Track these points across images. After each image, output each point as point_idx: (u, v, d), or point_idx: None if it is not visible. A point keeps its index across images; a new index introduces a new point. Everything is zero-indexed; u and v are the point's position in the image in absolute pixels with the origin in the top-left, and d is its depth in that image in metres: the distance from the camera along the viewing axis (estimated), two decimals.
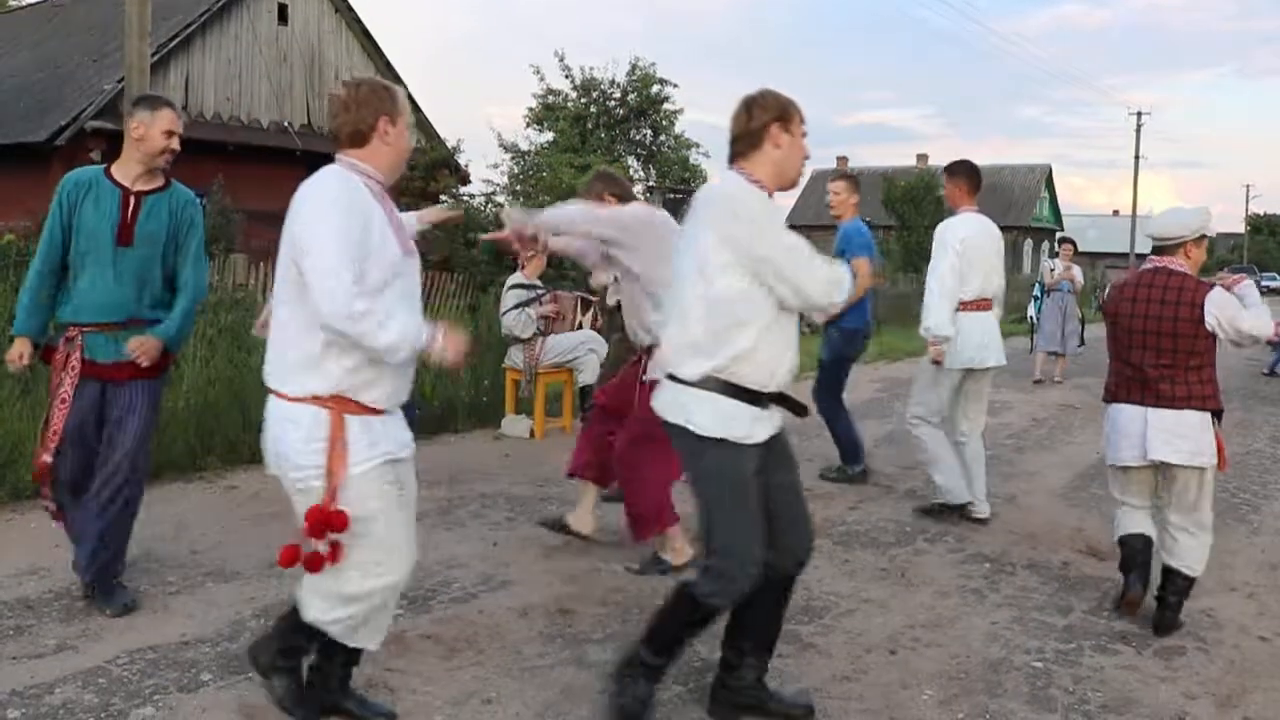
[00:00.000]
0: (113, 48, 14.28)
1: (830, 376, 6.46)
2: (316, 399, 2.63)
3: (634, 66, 24.84)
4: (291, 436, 2.64)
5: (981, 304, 5.41)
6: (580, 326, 7.72)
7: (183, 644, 3.47)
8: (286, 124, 15.38)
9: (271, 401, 2.72)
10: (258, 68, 15.43)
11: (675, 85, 25.35)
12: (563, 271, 11.30)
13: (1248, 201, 62.61)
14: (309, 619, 2.81)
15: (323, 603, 2.80)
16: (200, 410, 6.11)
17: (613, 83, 25.08)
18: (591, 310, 7.90)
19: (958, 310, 5.29)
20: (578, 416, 7.81)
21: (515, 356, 7.54)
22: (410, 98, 13.99)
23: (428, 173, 16.41)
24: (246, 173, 13.69)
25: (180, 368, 6.48)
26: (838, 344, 6.40)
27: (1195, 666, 3.73)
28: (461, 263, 12.86)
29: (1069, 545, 5.15)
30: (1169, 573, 4.06)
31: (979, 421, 5.59)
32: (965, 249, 5.30)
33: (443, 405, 7.65)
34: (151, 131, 3.68)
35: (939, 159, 46.45)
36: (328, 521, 2.63)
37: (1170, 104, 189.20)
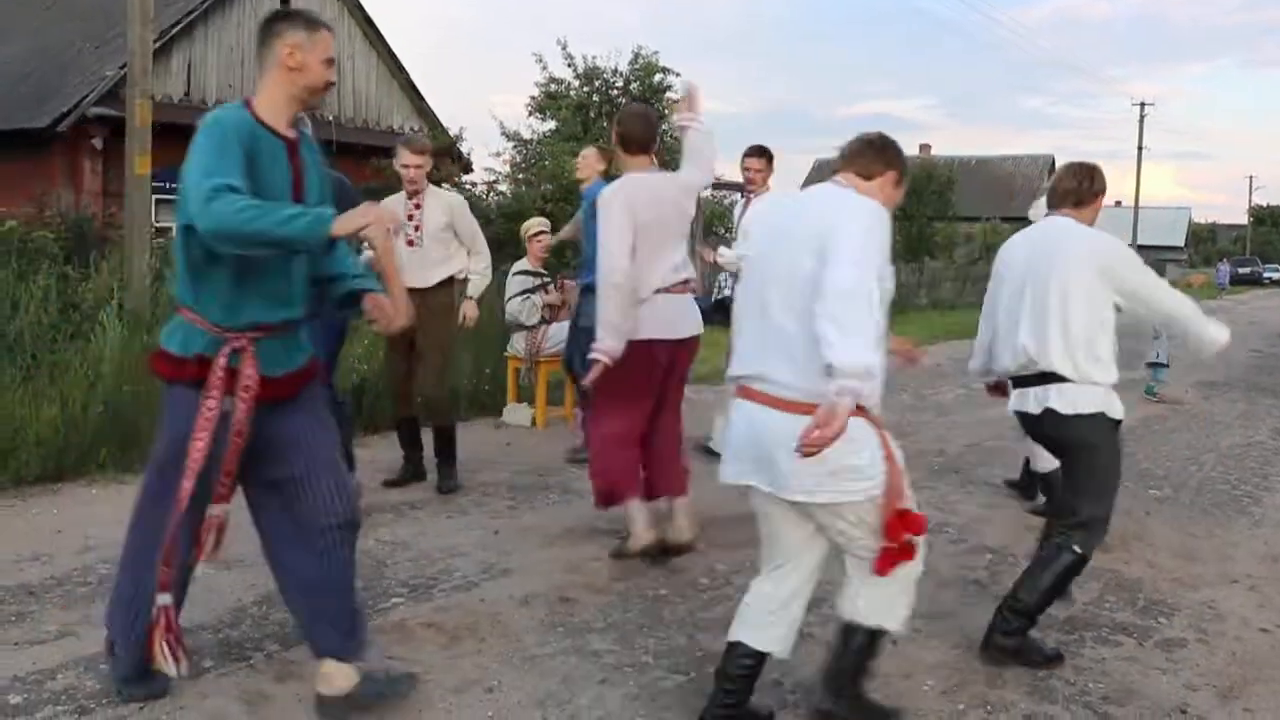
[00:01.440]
0: (114, 34, 14.22)
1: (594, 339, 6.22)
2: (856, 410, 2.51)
3: (636, 55, 24.78)
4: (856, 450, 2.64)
5: None
6: None
7: (184, 631, 3.46)
8: None
9: (776, 415, 2.66)
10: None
11: (678, 74, 25.27)
12: (565, 260, 11.26)
13: (1251, 193, 62.53)
14: (897, 624, 3.00)
15: (904, 602, 3.01)
16: None
17: (615, 71, 25.02)
18: None
19: None
20: (578, 404, 7.81)
21: (518, 344, 7.53)
22: (413, 86, 14.10)
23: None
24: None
25: None
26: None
27: (1196, 658, 3.73)
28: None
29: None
30: None
31: None
32: None
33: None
34: (310, 59, 2.83)
35: (941, 149, 46.45)
36: (909, 525, 2.76)
37: (1173, 95, 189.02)
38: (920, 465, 6.61)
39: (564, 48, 24.94)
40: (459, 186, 17.75)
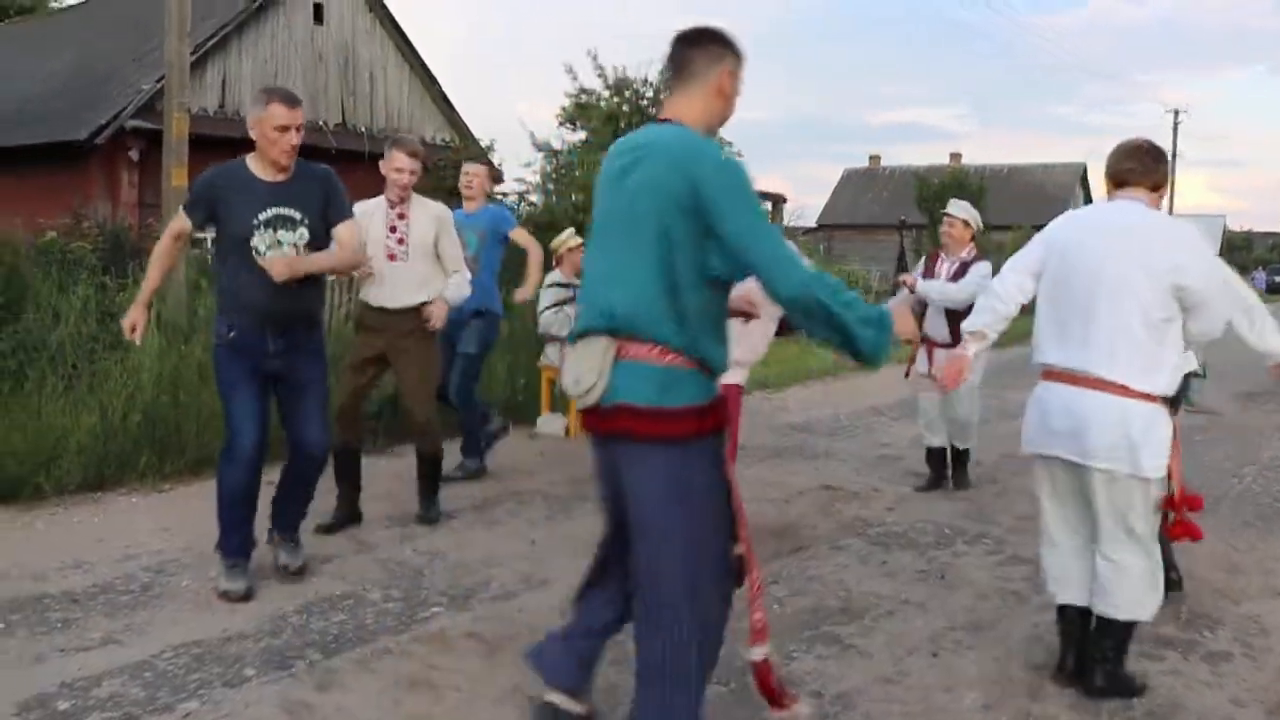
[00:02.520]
0: (152, 46, 14.43)
1: (477, 367, 6.11)
2: (1158, 399, 3.18)
3: None
4: (1148, 433, 3.14)
5: None
6: None
7: (225, 639, 3.50)
8: (321, 123, 15.48)
9: (1113, 399, 3.14)
10: (294, 67, 15.54)
11: None
12: None
13: None
14: (1149, 615, 3.35)
15: (1154, 596, 3.32)
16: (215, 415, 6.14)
17: (645, 81, 25.12)
18: None
19: None
20: None
21: (552, 355, 7.54)
22: (445, 98, 14.19)
23: (458, 171, 16.46)
24: None
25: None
26: (486, 333, 6.03)
27: (1242, 673, 3.67)
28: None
29: None
30: None
31: None
32: None
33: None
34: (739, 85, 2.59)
35: (971, 158, 46.19)
36: (1190, 504, 3.29)
37: (1205, 101, 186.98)
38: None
39: (594, 58, 24.95)
40: (490, 197, 17.86)
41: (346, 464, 4.91)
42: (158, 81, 13.32)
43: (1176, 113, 43.20)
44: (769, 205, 22.16)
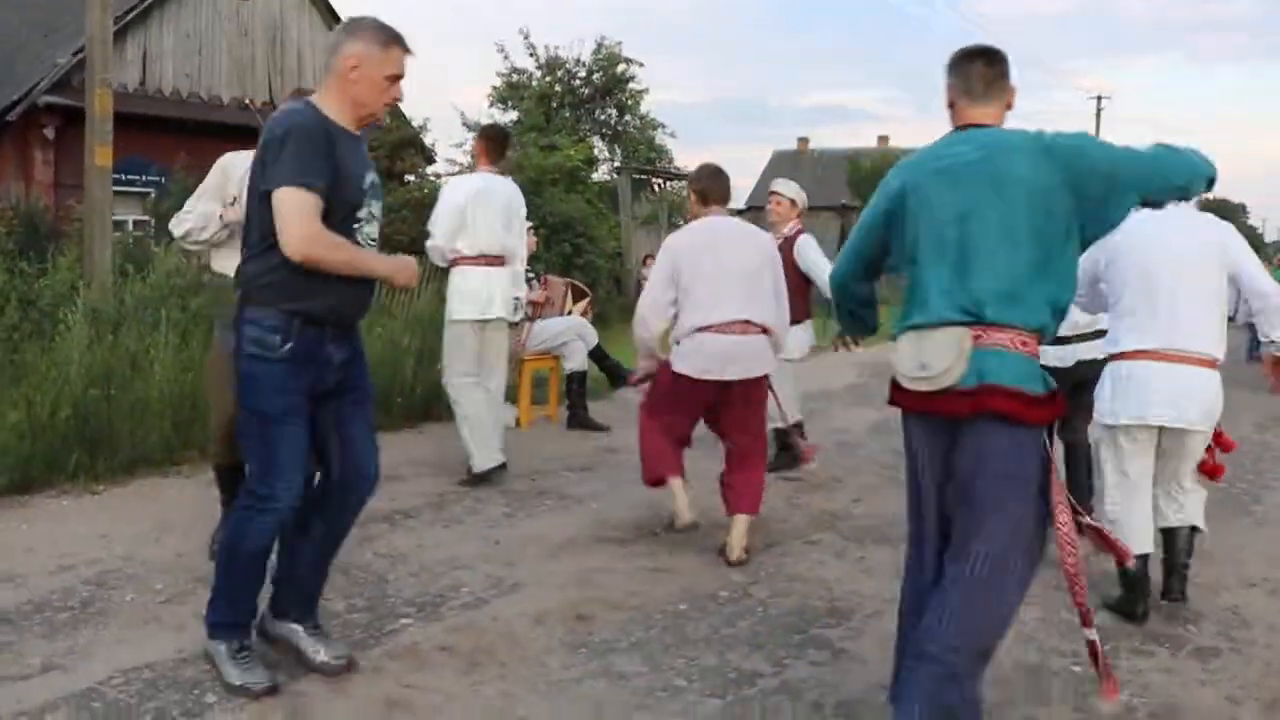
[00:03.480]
0: (64, 21, 13.72)
1: None
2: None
3: (599, 45, 24.55)
4: (1219, 397, 3.89)
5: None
6: (569, 313, 7.52)
7: (181, 661, 3.22)
8: (248, 101, 14.91)
9: (1200, 370, 3.81)
10: (218, 42, 14.92)
11: (641, 64, 25.11)
12: (586, 259, 11.03)
13: None
14: (1202, 523, 4.15)
15: (1202, 510, 4.16)
16: (176, 401, 5.81)
17: (578, 61, 24.76)
18: (587, 299, 7.71)
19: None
20: (563, 404, 7.62)
21: None
22: None
23: (393, 152, 16.03)
24: (208, 150, 13.20)
25: (152, 354, 6.18)
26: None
27: (1233, 668, 3.62)
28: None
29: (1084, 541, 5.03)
30: None
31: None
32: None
33: (423, 394, 7.40)
34: None
35: (900, 141, 46.62)
36: (1225, 445, 4.15)
37: (1125, 89, 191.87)
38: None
39: (526, 37, 24.59)
40: (423, 178, 17.43)
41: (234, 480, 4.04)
42: (74, 55, 12.68)
43: (1099, 99, 44.03)
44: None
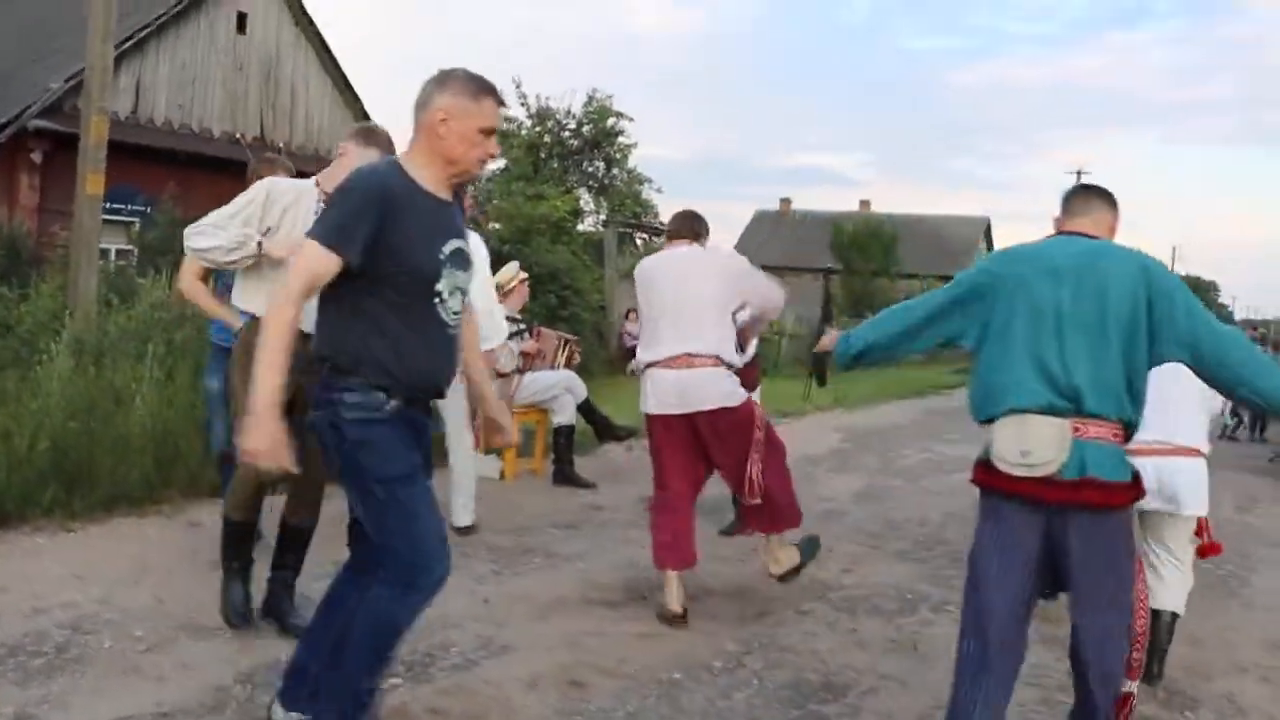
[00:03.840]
0: (57, 45, 13.70)
1: None
2: None
3: (590, 97, 24.83)
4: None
5: None
6: (558, 366, 7.47)
7: (161, 715, 3.10)
8: (239, 135, 14.88)
9: (1196, 462, 4.04)
10: (213, 75, 14.92)
11: (630, 119, 25.38)
12: (571, 311, 10.97)
13: (1173, 262, 64.61)
14: (1182, 607, 4.23)
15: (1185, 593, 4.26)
16: (159, 437, 5.69)
17: (568, 113, 25.01)
18: (568, 350, 7.66)
19: None
20: (549, 458, 7.53)
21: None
22: (366, 116, 13.75)
23: None
24: (196, 182, 13.15)
25: (135, 388, 6.06)
26: None
27: None
28: None
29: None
30: None
31: None
32: None
33: None
34: None
35: (881, 206, 47.17)
36: (1209, 534, 4.33)
37: (1097, 164, 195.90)
38: (905, 536, 6.46)
39: (518, 86, 24.81)
40: None
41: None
42: (67, 81, 12.63)
43: (1079, 173, 44.80)
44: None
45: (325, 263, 2.58)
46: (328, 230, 2.60)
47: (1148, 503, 3.83)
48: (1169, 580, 4.18)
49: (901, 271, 32.21)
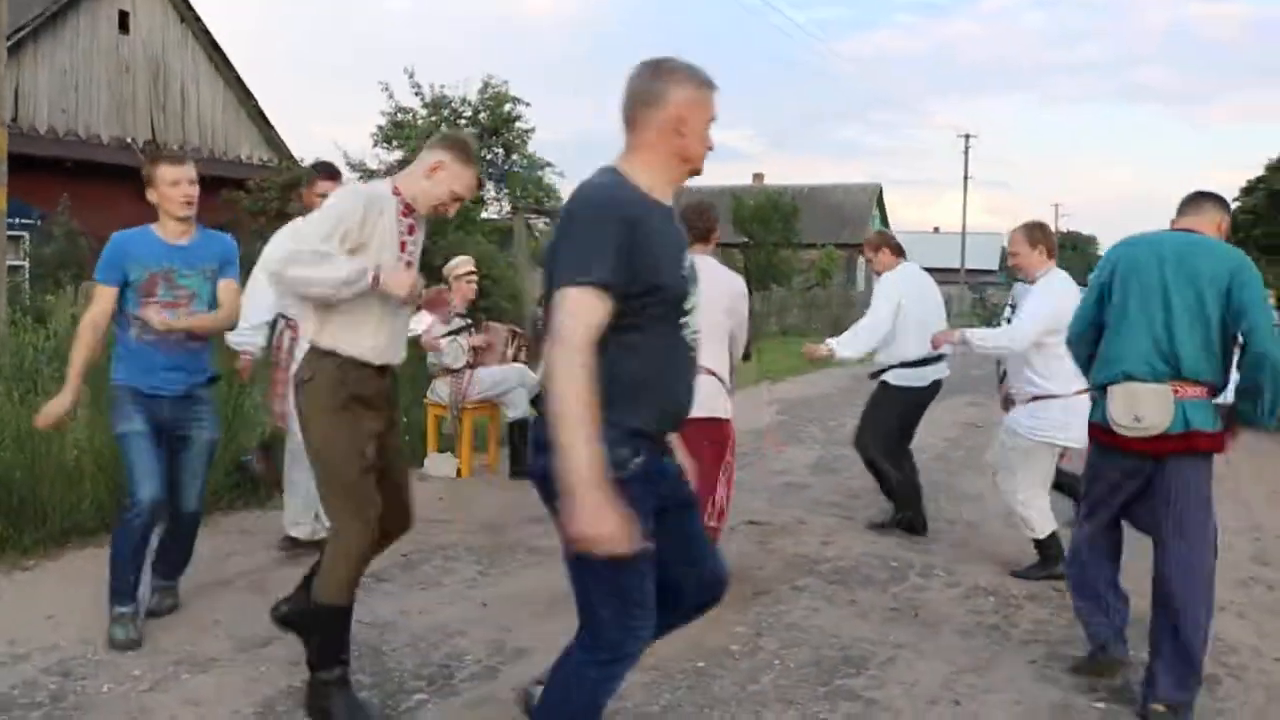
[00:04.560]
0: None
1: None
2: None
3: (486, 84, 24.36)
4: None
5: None
6: (507, 359, 7.33)
7: None
8: (130, 140, 14.20)
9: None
10: (97, 78, 14.19)
11: (528, 104, 25.03)
12: (491, 301, 10.73)
13: (1057, 219, 66.98)
14: None
15: None
16: (108, 462, 5.38)
17: (464, 100, 24.53)
18: (517, 342, 7.52)
19: None
20: (504, 453, 7.40)
21: (440, 390, 7.06)
22: (262, 114, 13.31)
23: (283, 194, 15.51)
24: (88, 192, 12.55)
25: (77, 413, 5.71)
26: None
27: (1238, 695, 3.71)
28: None
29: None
30: None
31: None
32: None
33: None
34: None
35: (773, 178, 47.64)
36: None
37: (981, 128, 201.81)
38: (871, 505, 6.52)
39: (411, 76, 24.20)
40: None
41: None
42: None
43: (968, 137, 46.06)
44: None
45: (602, 309, 2.24)
46: (587, 268, 2.23)
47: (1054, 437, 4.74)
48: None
49: (801, 242, 32.57)
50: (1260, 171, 35.28)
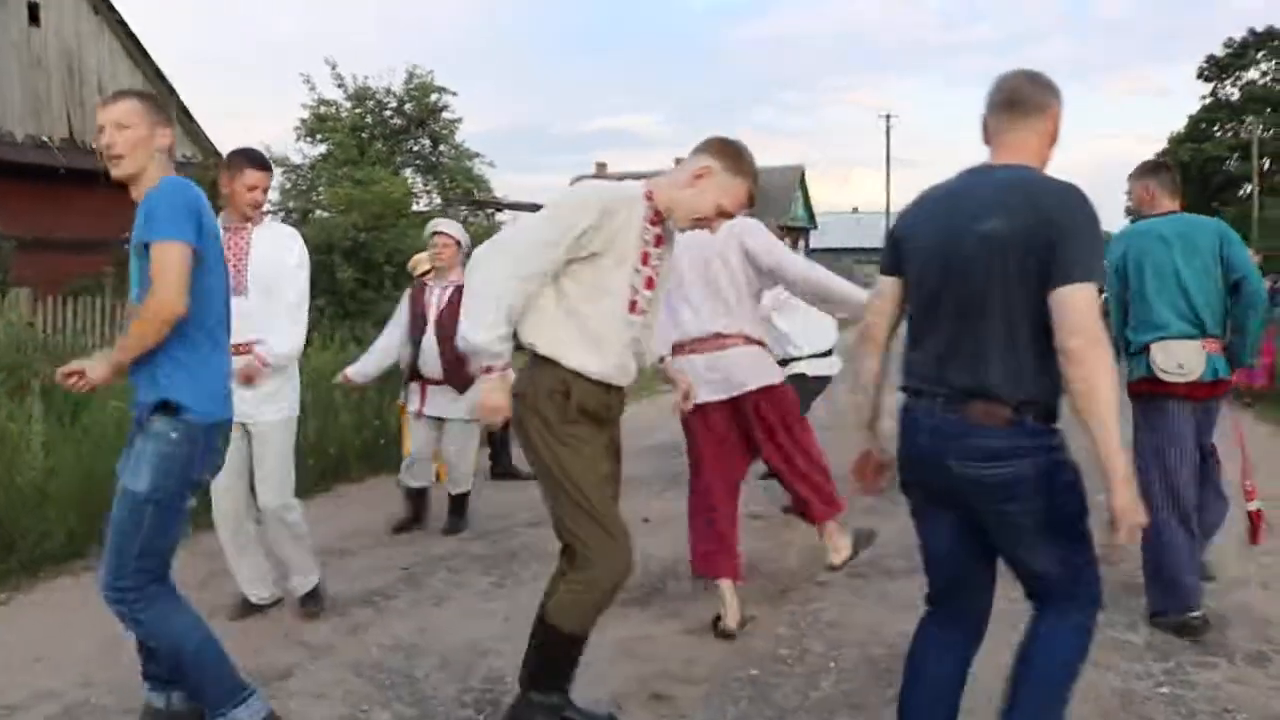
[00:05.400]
0: None
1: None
2: None
3: (410, 75, 23.83)
4: None
5: None
6: None
7: None
8: (46, 138, 13.49)
9: None
10: (7, 73, 13.41)
11: (454, 94, 24.55)
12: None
13: None
14: None
15: None
16: (78, 481, 5.01)
17: (388, 91, 23.95)
18: None
19: None
20: (485, 453, 7.14)
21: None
22: (184, 109, 12.71)
23: (210, 191, 14.87)
24: (4, 192, 11.88)
25: (20, 430, 5.30)
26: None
27: None
28: (324, 284, 11.01)
29: None
30: None
31: None
32: None
33: (336, 453, 6.77)
34: None
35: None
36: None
37: (895, 108, 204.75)
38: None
39: (333, 68, 23.61)
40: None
41: None
42: None
43: (889, 118, 46.69)
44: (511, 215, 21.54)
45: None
46: (1097, 271, 2.34)
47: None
48: None
49: None
50: (1164, 144, 36.51)
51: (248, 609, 4.17)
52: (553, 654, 2.93)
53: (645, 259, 2.87)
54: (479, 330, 2.73)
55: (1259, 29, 36.76)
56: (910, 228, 2.58)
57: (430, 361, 5.41)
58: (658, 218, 2.88)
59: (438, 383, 5.42)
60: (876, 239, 48.38)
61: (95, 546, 4.93)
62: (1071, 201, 2.34)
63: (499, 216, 21.78)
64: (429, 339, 5.40)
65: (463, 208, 20.16)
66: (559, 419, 2.83)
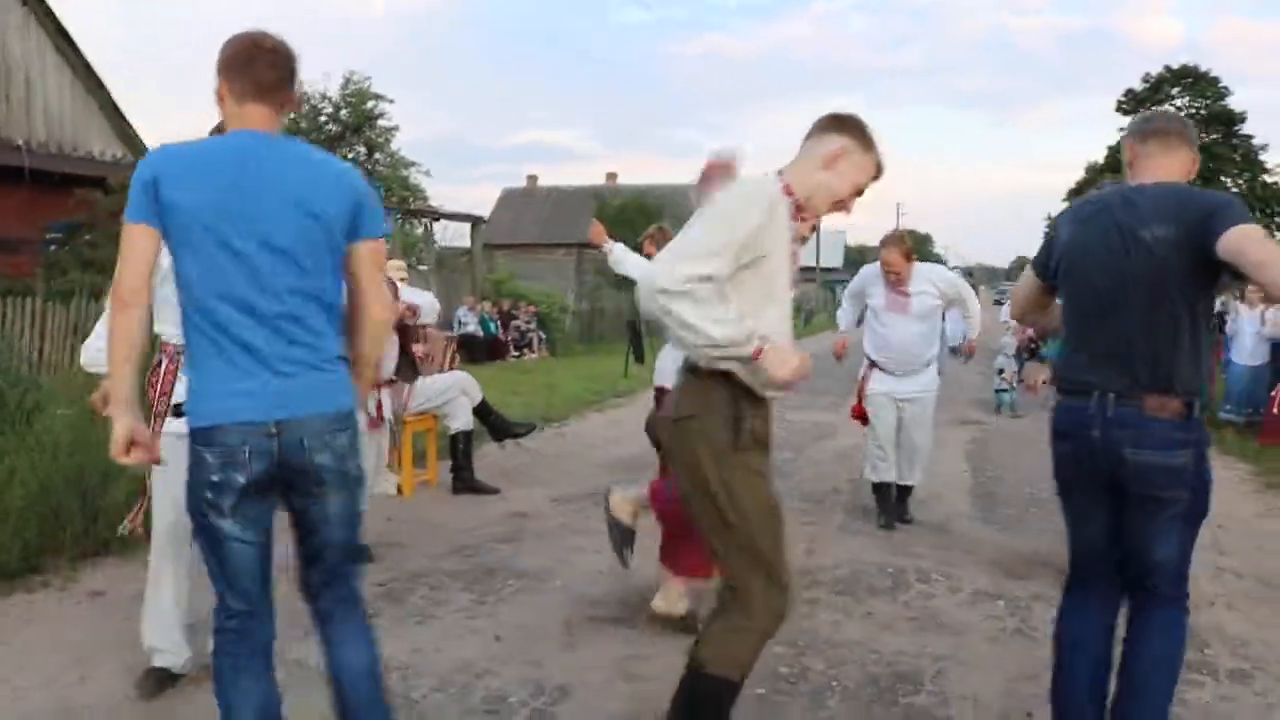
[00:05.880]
0: None
1: None
2: None
3: (347, 80, 23.53)
4: None
5: None
6: (445, 368, 6.95)
7: None
8: None
9: None
10: None
11: (391, 101, 24.30)
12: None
13: (898, 217, 69.41)
14: None
15: None
16: (34, 491, 4.77)
17: (324, 97, 23.60)
18: (452, 350, 7.15)
19: None
20: (447, 466, 7.02)
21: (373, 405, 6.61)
22: (115, 106, 12.33)
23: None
24: None
25: None
26: None
27: (1274, 689, 3.76)
28: None
29: (1041, 573, 5.10)
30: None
31: None
32: None
33: None
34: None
35: (627, 178, 47.59)
36: None
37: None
38: (833, 507, 6.47)
39: None
40: None
41: None
42: None
43: None
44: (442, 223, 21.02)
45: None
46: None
47: None
48: None
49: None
50: (1081, 174, 37.73)
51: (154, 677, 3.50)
52: (704, 701, 2.68)
53: (795, 259, 2.68)
54: (724, 327, 2.43)
55: (1174, 66, 38.10)
56: (1072, 237, 2.82)
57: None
58: (798, 212, 2.65)
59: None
60: (807, 258, 48.92)
61: (54, 560, 4.74)
62: (1221, 198, 2.63)
63: (435, 226, 21.56)
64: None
65: (398, 216, 19.87)
66: (731, 445, 2.57)
